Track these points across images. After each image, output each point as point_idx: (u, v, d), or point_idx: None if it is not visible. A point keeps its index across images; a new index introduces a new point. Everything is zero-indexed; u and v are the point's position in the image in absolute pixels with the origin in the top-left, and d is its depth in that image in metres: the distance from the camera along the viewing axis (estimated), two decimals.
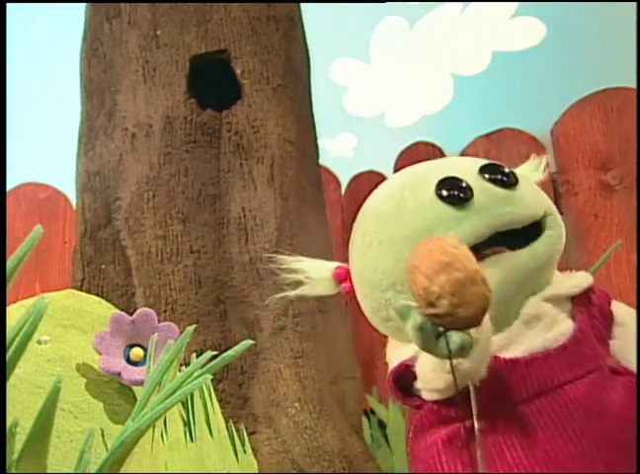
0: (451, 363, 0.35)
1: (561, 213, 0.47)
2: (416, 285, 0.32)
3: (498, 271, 0.40)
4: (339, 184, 1.41)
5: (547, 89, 1.35)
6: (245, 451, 0.68)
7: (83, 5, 0.97)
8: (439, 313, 0.32)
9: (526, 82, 1.38)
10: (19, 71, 1.41)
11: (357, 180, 1.40)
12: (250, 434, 0.74)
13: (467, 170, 0.44)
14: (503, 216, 0.42)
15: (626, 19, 1.21)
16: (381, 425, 0.99)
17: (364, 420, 0.91)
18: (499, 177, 0.43)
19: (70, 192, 1.25)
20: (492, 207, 0.42)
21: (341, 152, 1.48)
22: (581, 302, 0.44)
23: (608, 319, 0.45)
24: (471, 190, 0.42)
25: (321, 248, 0.90)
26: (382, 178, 1.38)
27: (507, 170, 0.44)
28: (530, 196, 0.44)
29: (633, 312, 0.45)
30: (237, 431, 0.69)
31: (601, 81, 1.24)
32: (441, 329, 0.33)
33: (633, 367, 0.43)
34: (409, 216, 0.43)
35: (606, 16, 1.32)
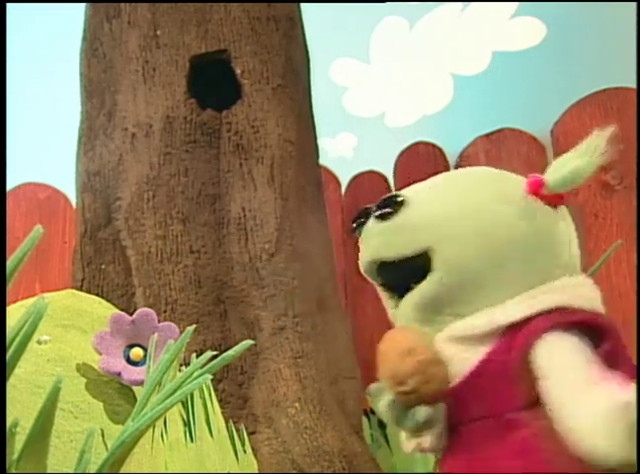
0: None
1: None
2: (385, 368, 0.39)
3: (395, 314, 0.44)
4: (339, 184, 1.41)
5: (547, 89, 1.35)
6: (245, 451, 0.68)
7: (83, 5, 0.97)
8: (406, 391, 0.38)
9: (526, 82, 1.38)
10: (19, 71, 1.41)
11: (357, 180, 1.40)
12: (250, 434, 0.74)
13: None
14: (370, 249, 0.43)
15: (626, 19, 1.21)
16: (381, 425, 0.99)
17: (364, 420, 0.91)
18: (378, 211, 0.43)
19: (70, 192, 1.25)
20: (365, 241, 0.44)
21: (341, 152, 1.48)
22: (509, 338, 0.39)
23: (527, 363, 0.38)
24: (360, 225, 0.44)
25: (321, 248, 0.90)
26: (382, 178, 1.38)
27: (389, 202, 0.43)
28: (412, 227, 0.42)
29: (562, 356, 0.38)
30: (237, 431, 0.69)
31: (601, 81, 1.24)
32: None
33: (555, 415, 0.37)
34: None
35: (606, 16, 1.32)
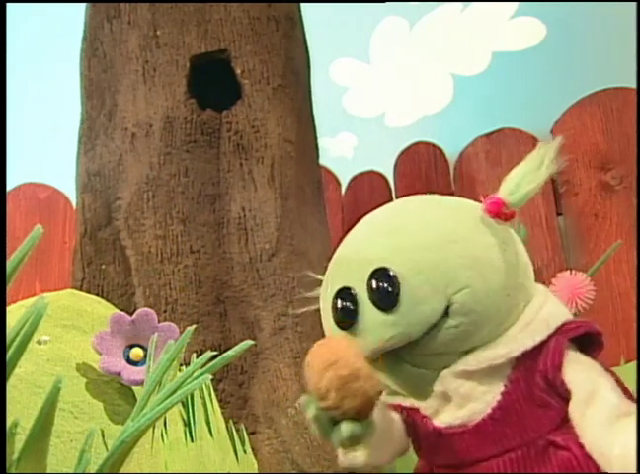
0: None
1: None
2: (310, 381, 0.38)
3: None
4: (339, 184, 1.41)
5: (547, 89, 1.34)
6: (245, 451, 0.68)
7: (83, 5, 0.97)
8: (328, 405, 0.37)
9: (526, 82, 1.38)
10: (19, 71, 1.41)
11: (357, 180, 1.40)
12: (250, 434, 0.74)
13: (360, 274, 0.41)
14: (387, 341, 0.40)
15: (626, 19, 1.21)
16: None
17: None
18: (377, 297, 0.40)
19: (70, 192, 1.25)
20: (374, 332, 0.41)
21: (341, 152, 1.48)
22: (524, 365, 0.39)
23: (555, 386, 0.39)
24: (356, 310, 0.41)
25: (321, 248, 0.90)
26: (382, 178, 1.38)
27: (388, 282, 0.40)
28: (418, 306, 0.39)
29: (588, 379, 0.38)
30: (237, 431, 0.69)
31: (601, 81, 1.24)
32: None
33: (581, 440, 0.37)
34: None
35: (606, 16, 1.32)
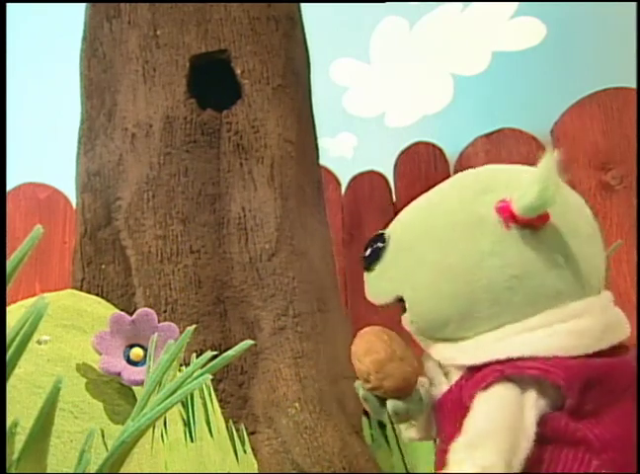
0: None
1: None
2: (355, 367, 0.44)
3: None
4: (339, 184, 1.41)
5: (547, 89, 1.34)
6: (245, 451, 0.68)
7: (83, 5, 0.97)
8: (371, 387, 0.43)
9: (526, 82, 1.38)
10: (19, 71, 1.41)
11: (357, 180, 1.40)
12: (250, 434, 0.74)
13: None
14: (368, 293, 0.47)
15: (626, 19, 1.21)
16: (381, 425, 0.99)
17: (364, 420, 0.91)
18: (365, 259, 0.46)
19: (70, 192, 1.25)
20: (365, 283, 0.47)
21: (341, 152, 1.48)
22: (470, 375, 0.40)
23: (468, 408, 0.39)
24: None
25: (321, 248, 0.90)
26: (382, 178, 1.38)
27: (370, 248, 0.45)
28: (388, 278, 0.44)
29: (476, 417, 0.38)
30: (237, 431, 0.69)
31: (601, 81, 1.24)
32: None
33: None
34: None
35: (606, 16, 1.32)
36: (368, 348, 0.43)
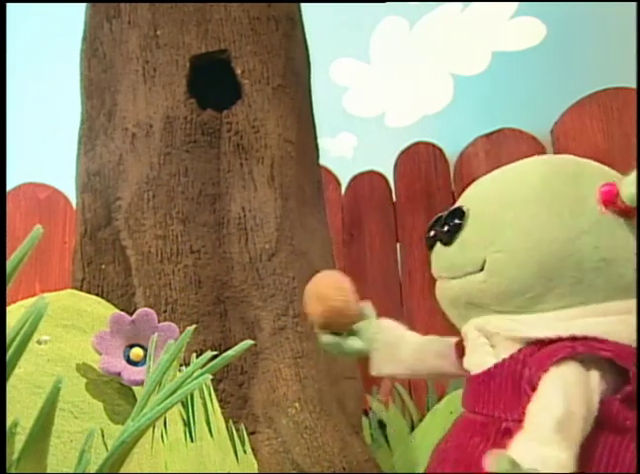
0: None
1: None
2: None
3: (441, 291, 0.48)
4: (339, 184, 1.42)
5: (547, 89, 1.35)
6: (245, 451, 0.68)
7: (83, 5, 0.97)
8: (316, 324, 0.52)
9: (526, 82, 1.38)
10: (19, 71, 1.41)
11: (357, 180, 1.40)
12: (250, 434, 0.74)
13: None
14: (441, 268, 0.47)
15: (626, 19, 1.21)
16: (381, 425, 0.99)
17: (364, 420, 0.91)
18: (433, 234, 0.47)
19: (70, 192, 1.25)
20: (436, 260, 0.47)
21: (341, 152, 1.48)
22: (531, 350, 0.40)
23: (533, 383, 0.39)
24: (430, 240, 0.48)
25: (321, 248, 0.90)
26: (382, 178, 1.38)
27: (451, 221, 0.45)
28: (471, 247, 0.44)
29: (551, 395, 0.37)
30: (237, 431, 0.69)
31: (601, 81, 1.24)
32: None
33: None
34: None
35: (606, 16, 1.32)
36: (320, 293, 0.51)
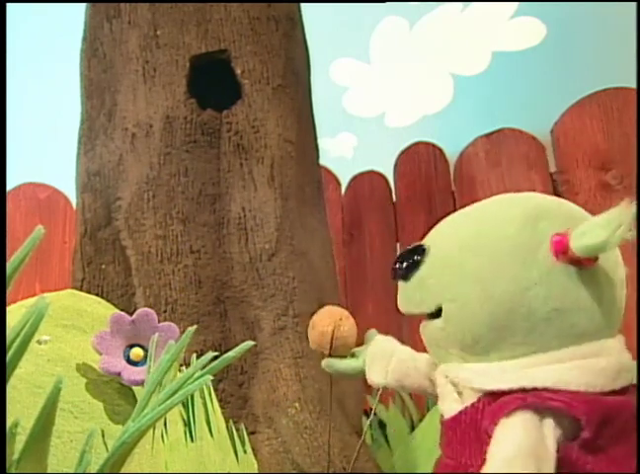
0: None
1: None
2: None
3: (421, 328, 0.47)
4: (339, 184, 1.42)
5: (547, 89, 1.35)
6: (245, 451, 0.68)
7: (83, 5, 0.97)
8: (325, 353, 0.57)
9: (526, 82, 1.38)
10: (19, 71, 1.41)
11: (357, 180, 1.40)
12: (250, 434, 0.74)
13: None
14: (401, 303, 0.47)
15: (626, 19, 1.21)
16: (381, 425, 0.99)
17: (364, 420, 0.91)
18: (396, 267, 0.46)
19: (70, 192, 1.25)
20: (399, 293, 0.47)
21: (341, 152, 1.48)
22: (489, 400, 0.40)
23: (488, 434, 0.39)
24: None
25: (321, 248, 0.90)
26: (382, 178, 1.38)
27: (410, 257, 0.45)
28: (427, 288, 0.44)
29: (500, 443, 0.38)
30: (237, 431, 0.69)
31: (601, 81, 1.24)
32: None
33: None
34: None
35: (606, 16, 1.32)
36: (315, 321, 0.56)
